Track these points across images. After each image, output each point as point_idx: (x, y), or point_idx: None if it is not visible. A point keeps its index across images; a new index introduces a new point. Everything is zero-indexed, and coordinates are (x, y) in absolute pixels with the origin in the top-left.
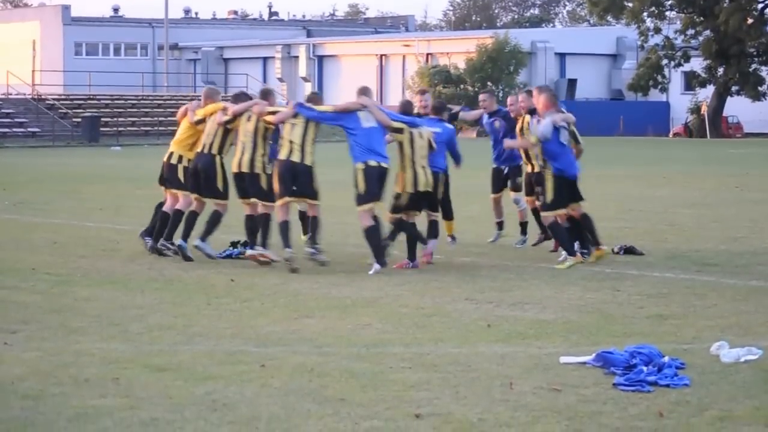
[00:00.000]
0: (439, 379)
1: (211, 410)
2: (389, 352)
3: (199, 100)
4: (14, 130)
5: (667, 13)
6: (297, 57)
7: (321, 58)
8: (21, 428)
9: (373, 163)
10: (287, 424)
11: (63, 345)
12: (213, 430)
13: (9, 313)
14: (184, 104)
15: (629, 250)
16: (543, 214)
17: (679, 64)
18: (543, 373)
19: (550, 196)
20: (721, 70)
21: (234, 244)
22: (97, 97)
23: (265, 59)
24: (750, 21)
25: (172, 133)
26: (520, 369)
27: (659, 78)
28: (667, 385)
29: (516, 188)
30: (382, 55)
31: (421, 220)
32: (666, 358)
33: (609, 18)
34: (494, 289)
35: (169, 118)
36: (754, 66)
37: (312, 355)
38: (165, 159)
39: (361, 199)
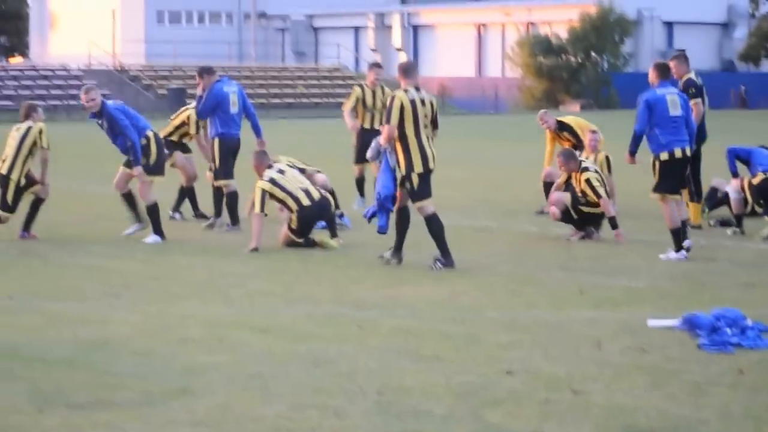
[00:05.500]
0: (530, 340)
1: (314, 365)
2: (483, 317)
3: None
4: None
5: None
6: (391, 26)
7: (416, 28)
8: (136, 381)
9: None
10: (385, 378)
11: (166, 308)
12: (316, 382)
13: (111, 279)
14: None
15: (725, 223)
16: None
17: None
18: (630, 335)
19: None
20: None
21: None
22: (183, 68)
23: (357, 29)
24: None
25: (261, 106)
26: (608, 332)
27: None
28: (751, 347)
29: None
30: (480, 24)
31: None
32: (749, 321)
33: None
34: (588, 258)
35: (258, 91)
36: None
37: (408, 319)
38: None
39: None
